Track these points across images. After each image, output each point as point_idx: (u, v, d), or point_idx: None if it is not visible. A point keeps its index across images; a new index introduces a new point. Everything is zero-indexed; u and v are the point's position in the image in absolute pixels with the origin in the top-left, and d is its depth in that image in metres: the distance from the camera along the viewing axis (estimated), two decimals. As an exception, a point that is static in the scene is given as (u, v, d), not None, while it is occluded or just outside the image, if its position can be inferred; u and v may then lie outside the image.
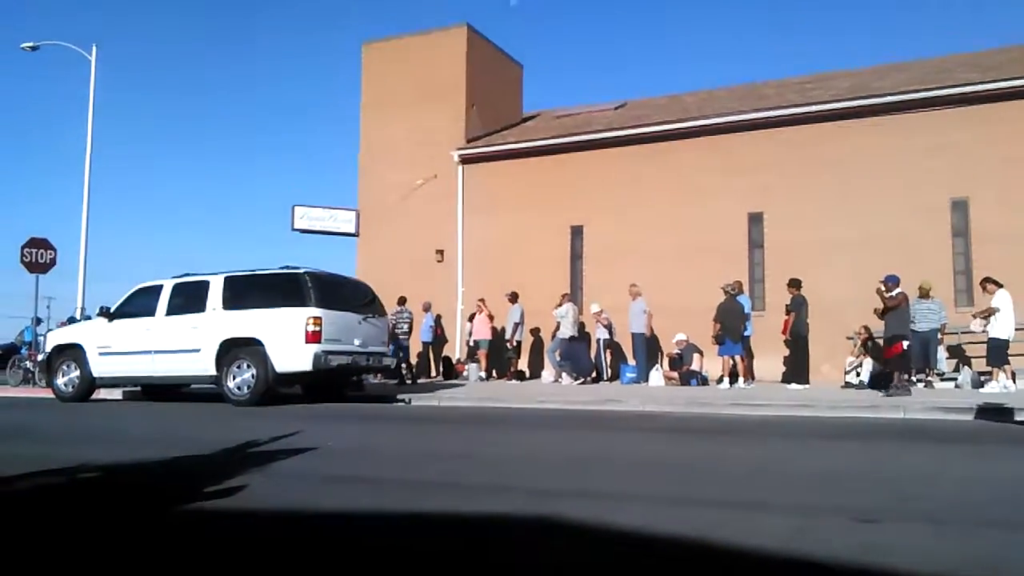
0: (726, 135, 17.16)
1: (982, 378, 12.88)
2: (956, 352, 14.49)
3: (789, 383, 13.54)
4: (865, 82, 17.47)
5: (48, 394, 13.31)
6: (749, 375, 14.51)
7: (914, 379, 13.55)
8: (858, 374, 13.76)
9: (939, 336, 13.61)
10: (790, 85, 19.43)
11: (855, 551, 2.84)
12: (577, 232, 18.64)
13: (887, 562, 2.69)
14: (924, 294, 13.53)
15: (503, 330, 17.69)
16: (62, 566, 2.79)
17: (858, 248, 15.11)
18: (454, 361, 18.74)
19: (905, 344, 11.77)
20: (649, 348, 15.95)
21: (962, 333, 14.21)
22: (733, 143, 17.03)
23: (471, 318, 17.98)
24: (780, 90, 18.97)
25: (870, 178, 15.57)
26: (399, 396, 12.28)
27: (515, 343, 17.35)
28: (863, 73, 18.85)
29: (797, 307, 13.41)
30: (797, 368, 13.60)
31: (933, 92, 15.38)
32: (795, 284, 13.55)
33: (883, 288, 12.05)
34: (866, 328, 14.14)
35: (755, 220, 16.77)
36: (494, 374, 18.03)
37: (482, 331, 17.53)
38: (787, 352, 14.07)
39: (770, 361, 15.32)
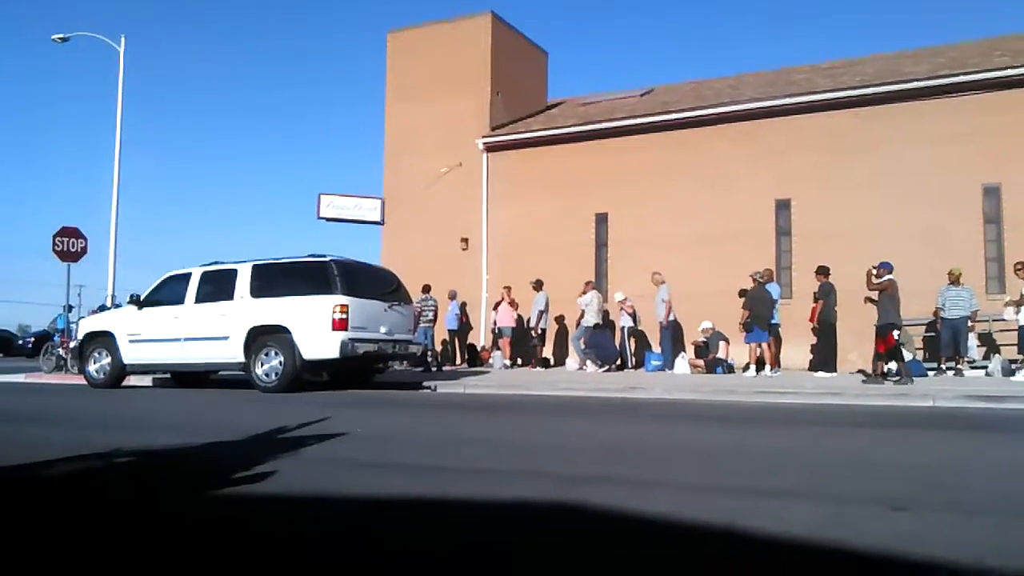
0: (753, 121, 17.01)
1: (1013, 366, 12.69)
2: (987, 340, 14.31)
3: (816, 371, 13.45)
4: (896, 67, 17.22)
5: (80, 380, 13.52)
6: (776, 363, 14.41)
7: (944, 367, 13.42)
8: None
9: (969, 324, 13.41)
10: (820, 70, 19.19)
11: (887, 539, 2.83)
12: (602, 220, 18.59)
13: (919, 551, 2.67)
14: (954, 281, 13.36)
15: (528, 318, 17.71)
16: (100, 546, 2.85)
17: (887, 235, 14.93)
18: (479, 349, 18.79)
19: (896, 334, 11.65)
20: (674, 336, 15.90)
21: (993, 320, 14.03)
22: (761, 129, 16.87)
23: (496, 306, 18.01)
24: (810, 75, 18.73)
25: (900, 164, 15.36)
26: (425, 383, 12.35)
27: (540, 331, 17.36)
28: (894, 58, 18.58)
29: (825, 295, 13.30)
30: (824, 356, 13.50)
31: (964, 77, 15.14)
32: (823, 271, 13.42)
33: (873, 272, 11.92)
34: (895, 316, 13.96)
35: (782, 207, 16.63)
36: (518, 362, 18.06)
37: (506, 319, 17.56)
38: (814, 340, 13.96)
39: (797, 349, 15.21)
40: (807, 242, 15.97)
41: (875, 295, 12.08)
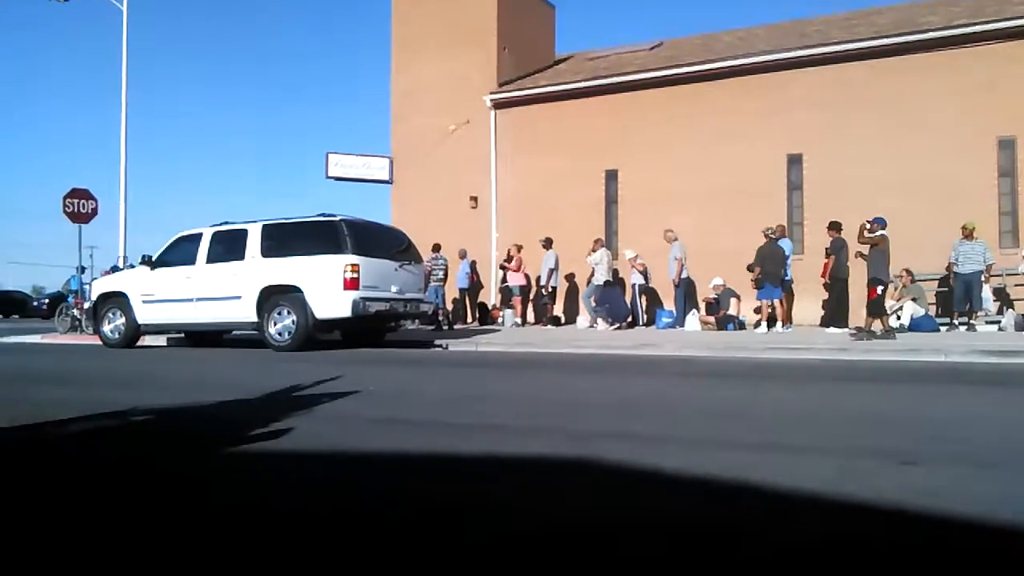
0: (765, 75, 16.79)
1: (1027, 320, 12.66)
2: (1000, 294, 14.25)
3: (828, 327, 13.44)
4: (911, 17, 16.90)
5: (95, 341, 13.66)
6: (787, 319, 14.41)
7: (956, 322, 13.39)
8: (899, 317, 13.59)
9: (983, 278, 13.34)
10: (834, 22, 18.85)
11: (898, 492, 2.85)
12: (612, 176, 18.48)
13: (931, 503, 2.69)
14: (968, 235, 13.26)
15: (537, 276, 17.71)
16: (121, 502, 2.90)
17: (901, 189, 14.81)
18: (490, 307, 18.85)
19: (879, 289, 11.51)
20: (686, 293, 15.89)
21: (1007, 275, 13.96)
22: (772, 83, 16.66)
23: (504, 264, 18.02)
24: (823, 27, 18.41)
25: (914, 117, 15.16)
26: (436, 342, 12.42)
27: (550, 289, 17.37)
28: (909, 8, 18.21)
29: (837, 250, 13.25)
30: (837, 312, 13.48)
31: (981, 27, 14.86)
32: (835, 227, 13.35)
33: (867, 226, 11.77)
34: (907, 271, 13.94)
35: (794, 162, 16.48)
36: (530, 319, 18.12)
37: (516, 277, 17.58)
38: (826, 295, 13.93)
39: (809, 305, 15.20)
40: (819, 197, 15.85)
41: (865, 249, 11.94)
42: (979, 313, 13.36)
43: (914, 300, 13.67)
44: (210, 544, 2.38)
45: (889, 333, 11.17)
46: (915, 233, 14.22)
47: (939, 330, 13.10)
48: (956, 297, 13.48)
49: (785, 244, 14.23)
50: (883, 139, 15.39)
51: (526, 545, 2.33)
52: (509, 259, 17.80)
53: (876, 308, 11.46)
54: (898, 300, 13.85)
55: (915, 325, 13.24)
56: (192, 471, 3.48)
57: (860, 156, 15.51)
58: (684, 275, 15.62)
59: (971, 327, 13.05)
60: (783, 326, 13.84)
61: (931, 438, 4.11)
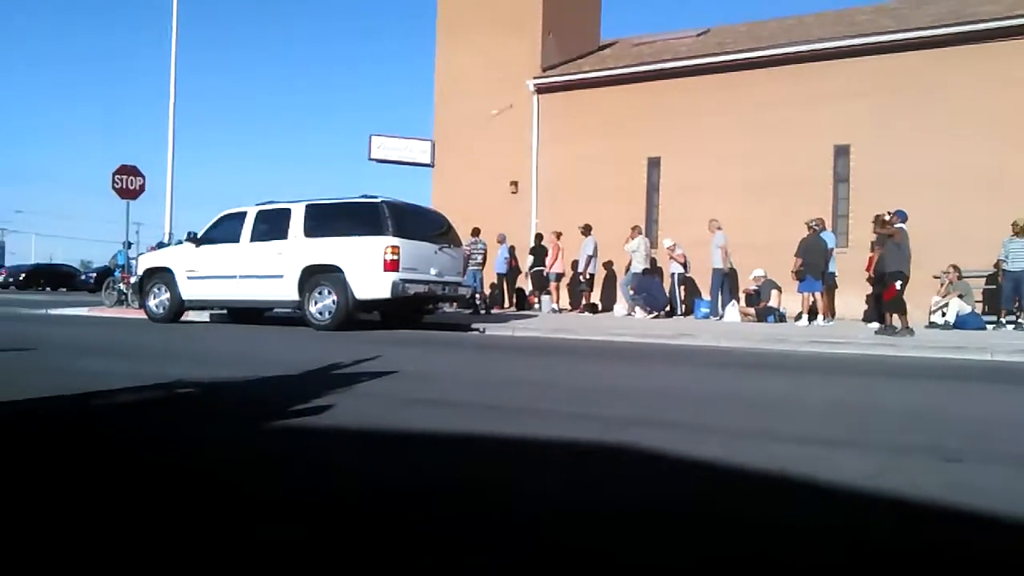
0: (813, 63, 16.51)
1: (1078, 320, 12.34)
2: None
3: (871, 322, 13.24)
4: (964, 6, 16.45)
5: (140, 315, 13.96)
6: (829, 313, 14.21)
7: (1003, 320, 13.11)
8: (943, 314, 13.33)
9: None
10: (884, 11, 18.43)
11: (940, 489, 2.82)
12: (654, 164, 18.34)
13: (973, 501, 2.66)
14: (1018, 232, 12.94)
15: (575, 261, 17.69)
16: (179, 466, 2.99)
17: (949, 184, 14.51)
18: (527, 292, 18.88)
19: (898, 284, 11.16)
20: (728, 284, 15.76)
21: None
22: (820, 72, 16.37)
23: (534, 251, 18.06)
24: (874, 16, 18.01)
25: (965, 109, 14.80)
26: (473, 325, 12.48)
27: (588, 276, 17.34)
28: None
29: (882, 244, 12.98)
30: (880, 307, 13.25)
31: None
32: (880, 222, 13.09)
33: (886, 217, 11.48)
34: (955, 267, 13.66)
35: (841, 153, 16.20)
36: (566, 306, 18.11)
37: (556, 263, 17.57)
38: (870, 290, 13.72)
39: (852, 299, 14.97)
40: (866, 190, 15.58)
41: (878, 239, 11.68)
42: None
43: (961, 297, 13.39)
44: (237, 524, 2.44)
45: (908, 330, 10.96)
46: (964, 229, 13.91)
47: (985, 328, 12.83)
48: (1004, 295, 13.18)
49: (828, 237, 14.02)
50: (933, 131, 15.06)
51: (560, 531, 2.35)
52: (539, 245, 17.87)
53: (896, 304, 11.20)
54: (944, 296, 13.58)
55: (961, 322, 12.98)
56: (232, 446, 3.56)
57: (909, 148, 15.20)
58: (729, 265, 15.46)
59: (1019, 326, 12.76)
60: (824, 319, 13.67)
61: (975, 436, 4.04)
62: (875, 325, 12.80)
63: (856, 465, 3.22)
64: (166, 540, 2.17)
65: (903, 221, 11.59)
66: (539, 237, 18.40)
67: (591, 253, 17.19)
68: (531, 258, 18.25)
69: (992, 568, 2.12)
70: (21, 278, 41.41)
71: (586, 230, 17.12)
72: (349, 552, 2.10)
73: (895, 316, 11.17)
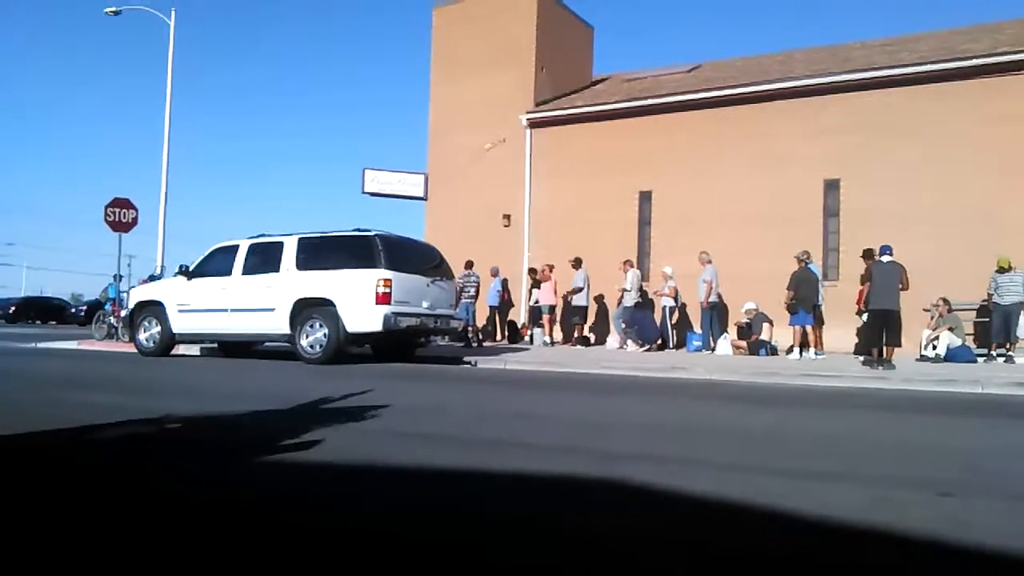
0: (803, 99, 16.69)
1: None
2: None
3: (862, 355, 13.25)
4: (951, 43, 16.72)
5: (130, 348, 13.87)
6: (819, 345, 14.23)
7: (994, 353, 13.14)
8: (935, 347, 13.35)
9: (1021, 308, 13.08)
10: (874, 47, 18.72)
11: (934, 524, 2.80)
12: (646, 197, 18.45)
13: (967, 536, 2.64)
14: (1004, 268, 13.04)
15: (565, 295, 17.70)
16: (154, 502, 2.95)
17: (939, 218, 14.61)
18: (519, 325, 18.85)
19: (865, 317, 11.72)
20: (719, 317, 15.77)
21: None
22: (811, 107, 16.56)
23: (536, 284, 18.03)
24: (863, 52, 18.28)
25: (954, 145, 14.96)
26: (466, 358, 12.44)
27: (578, 307, 17.31)
28: (948, 35, 18.03)
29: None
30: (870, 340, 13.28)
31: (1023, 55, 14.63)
32: (869, 254, 13.19)
33: (876, 253, 11.86)
34: (944, 300, 13.71)
35: (831, 187, 16.32)
36: (558, 339, 18.08)
37: (547, 296, 17.57)
38: (860, 323, 13.75)
39: (842, 332, 15.00)
40: (856, 224, 15.67)
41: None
42: (1015, 345, 13.09)
43: (951, 330, 13.43)
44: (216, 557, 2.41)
45: (878, 361, 11.12)
46: (953, 262, 14.00)
47: (976, 361, 12.85)
48: (994, 328, 13.23)
49: (813, 269, 14.07)
50: (922, 166, 15.20)
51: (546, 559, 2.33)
52: (536, 278, 17.85)
53: (865, 338, 11.81)
54: (935, 330, 13.61)
55: (952, 355, 12.99)
56: (215, 481, 3.52)
57: (898, 183, 15.33)
58: (713, 299, 15.48)
59: (1009, 359, 12.79)
60: (815, 352, 13.68)
61: (967, 470, 4.03)
62: (863, 358, 12.84)
63: (848, 499, 3.20)
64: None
65: (884, 254, 11.69)
66: (533, 272, 18.43)
67: (581, 286, 17.17)
68: (535, 292, 18.20)
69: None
70: (11, 311, 41.17)
71: (576, 263, 17.15)
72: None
73: (878, 350, 11.38)
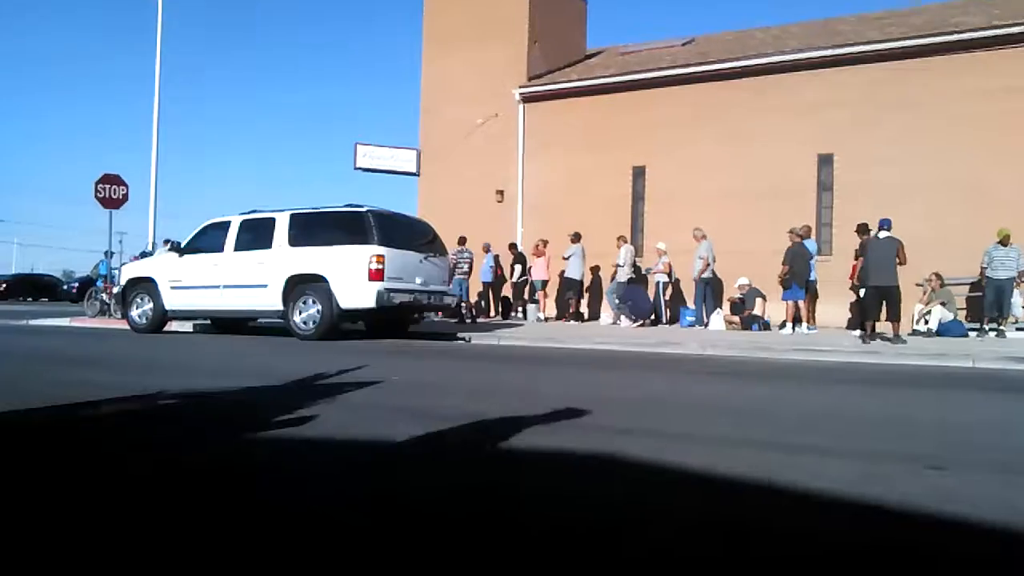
0: (797, 73, 16.61)
1: (1059, 328, 12.44)
2: (1031, 301, 13.99)
3: (855, 330, 13.31)
4: (945, 17, 16.63)
5: (123, 325, 13.83)
6: (812, 320, 14.27)
7: (986, 327, 13.20)
8: (926, 322, 13.42)
9: (1016, 283, 13.11)
10: (867, 21, 18.61)
11: (923, 497, 2.83)
12: (639, 173, 18.39)
13: (956, 509, 2.66)
14: (1003, 241, 13.04)
15: (563, 271, 17.68)
16: (154, 479, 2.95)
17: (932, 192, 14.62)
18: (511, 301, 18.86)
19: (861, 292, 11.88)
20: (711, 292, 15.80)
21: (1040, 281, 13.70)
22: (805, 81, 16.48)
23: (518, 260, 18.03)
24: (856, 26, 18.18)
25: (948, 119, 14.92)
26: (459, 334, 12.45)
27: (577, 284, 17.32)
28: (942, 8, 17.92)
29: (865, 253, 13.07)
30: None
31: (1016, 28, 14.57)
32: (864, 229, 13.19)
33: (874, 227, 11.98)
34: (937, 275, 13.75)
35: (825, 162, 16.29)
36: (551, 314, 18.11)
37: (541, 272, 17.56)
38: (853, 298, 13.80)
39: (834, 307, 15.04)
40: (849, 198, 15.66)
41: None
42: (1007, 319, 13.15)
43: (943, 305, 13.48)
44: (219, 540, 2.41)
45: (870, 335, 11.39)
46: (946, 236, 14.02)
47: (968, 335, 12.92)
48: (987, 302, 13.27)
49: (810, 244, 14.08)
50: (916, 140, 15.18)
51: (543, 536, 2.34)
52: (516, 253, 17.92)
53: (862, 311, 11.97)
54: (927, 304, 13.66)
55: (944, 330, 13.06)
56: (212, 457, 3.53)
57: (892, 157, 15.31)
58: (708, 275, 15.48)
59: (1001, 333, 12.85)
60: (807, 327, 13.72)
61: (957, 443, 4.07)
62: (860, 333, 12.89)
63: (840, 473, 3.22)
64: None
65: (882, 229, 11.70)
66: (513, 247, 18.40)
67: (570, 253, 17.02)
68: (518, 267, 18.19)
69: (964, 565, 2.13)
70: (2, 288, 40.98)
71: (575, 238, 17.06)
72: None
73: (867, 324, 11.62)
